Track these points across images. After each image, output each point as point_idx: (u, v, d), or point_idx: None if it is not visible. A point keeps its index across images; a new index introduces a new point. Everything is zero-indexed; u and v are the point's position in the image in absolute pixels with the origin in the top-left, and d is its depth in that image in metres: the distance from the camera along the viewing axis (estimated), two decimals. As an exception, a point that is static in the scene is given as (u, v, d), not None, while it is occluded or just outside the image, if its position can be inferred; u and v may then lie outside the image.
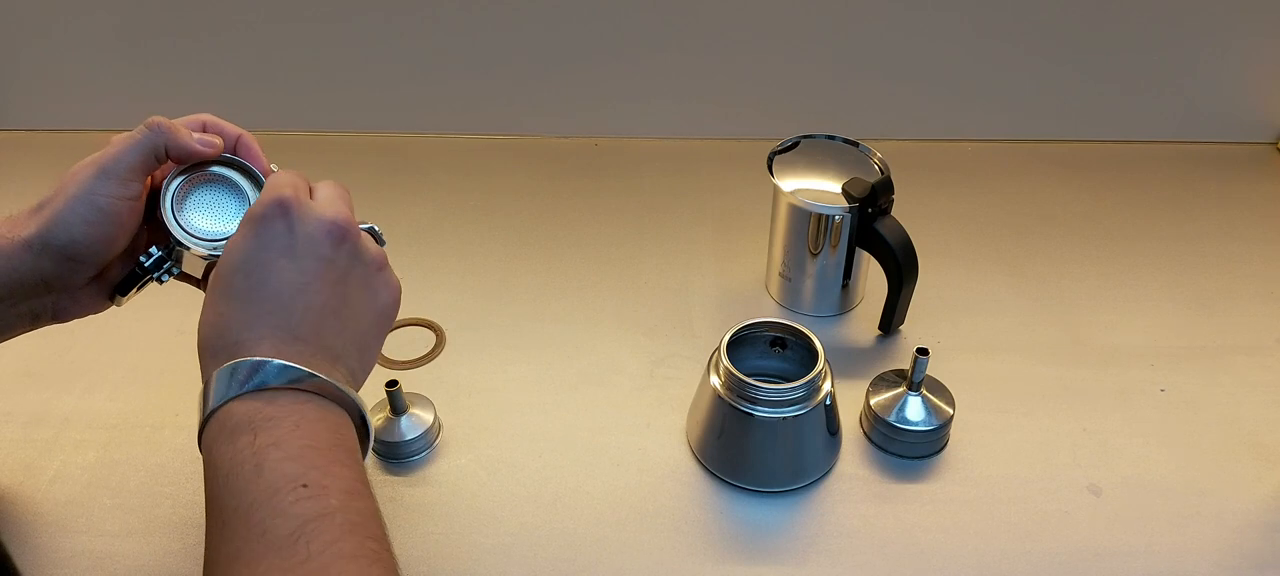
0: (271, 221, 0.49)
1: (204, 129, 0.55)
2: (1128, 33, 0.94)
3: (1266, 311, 0.80)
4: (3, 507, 0.64)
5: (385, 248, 0.55)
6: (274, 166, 0.57)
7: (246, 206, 0.56)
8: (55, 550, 0.61)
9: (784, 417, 0.62)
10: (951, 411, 0.67)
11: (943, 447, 0.68)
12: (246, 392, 0.45)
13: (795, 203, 0.74)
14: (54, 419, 0.70)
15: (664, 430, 0.69)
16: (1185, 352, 0.76)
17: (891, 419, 0.66)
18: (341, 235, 0.50)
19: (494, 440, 0.69)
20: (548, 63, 0.98)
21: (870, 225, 0.73)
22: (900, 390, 0.67)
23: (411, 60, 0.98)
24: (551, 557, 0.61)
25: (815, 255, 0.76)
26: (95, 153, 0.52)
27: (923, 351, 0.65)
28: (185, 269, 0.57)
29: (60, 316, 0.55)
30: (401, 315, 0.68)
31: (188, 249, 0.55)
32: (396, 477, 0.66)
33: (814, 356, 0.63)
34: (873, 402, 0.68)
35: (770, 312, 0.81)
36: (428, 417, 0.68)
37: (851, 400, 0.70)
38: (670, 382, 0.73)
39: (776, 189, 0.75)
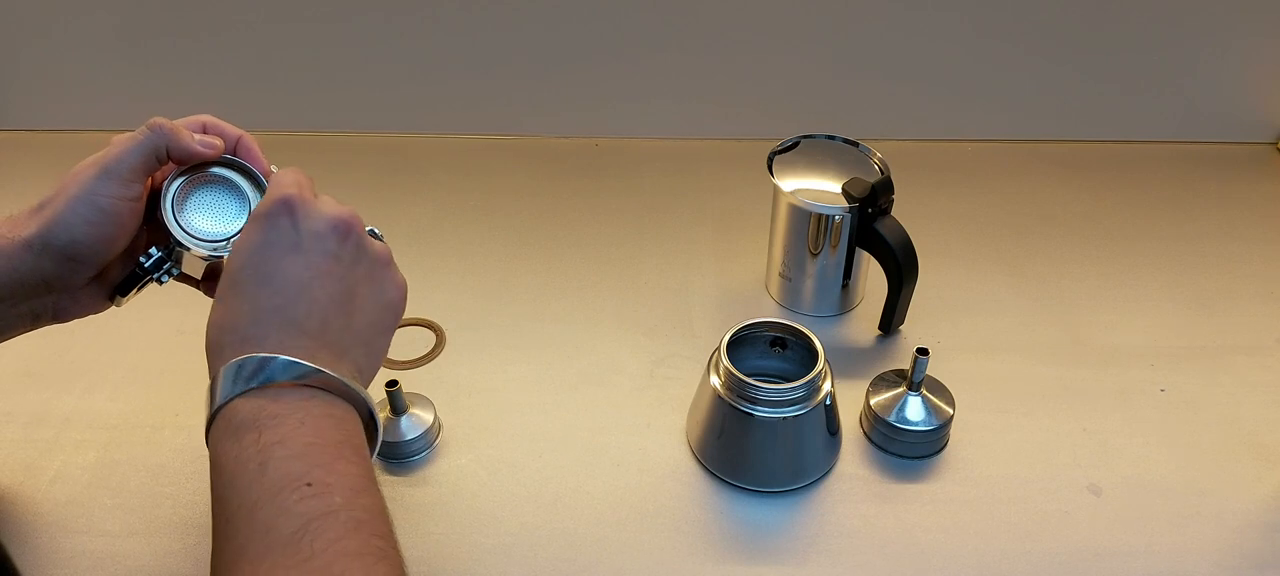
0: (277, 218, 0.49)
1: (204, 130, 0.55)
2: (1127, 33, 0.94)
3: (1266, 311, 0.80)
4: (3, 507, 0.64)
5: (386, 247, 0.55)
6: (274, 167, 0.57)
7: (247, 207, 0.56)
8: (55, 550, 0.61)
9: (784, 417, 0.62)
10: (951, 411, 0.67)
11: (943, 447, 0.68)
12: (252, 389, 0.45)
13: (795, 203, 0.74)
14: (54, 419, 0.70)
15: (664, 430, 0.69)
16: (1185, 352, 0.76)
17: (891, 419, 0.66)
18: (346, 231, 0.51)
19: (494, 440, 0.69)
20: (548, 63, 0.98)
21: (870, 225, 0.73)
22: (900, 390, 0.67)
23: (411, 60, 0.98)
24: (551, 557, 0.61)
25: (815, 255, 0.76)
26: (96, 153, 0.52)
27: (923, 351, 0.65)
28: (185, 269, 0.57)
29: (60, 316, 0.55)
30: (401, 315, 0.68)
31: (188, 249, 0.55)
32: (397, 477, 0.66)
33: (814, 356, 0.63)
34: (873, 402, 0.68)
35: (770, 313, 0.81)
36: (428, 417, 0.68)
37: (851, 400, 0.70)
38: (670, 382, 0.73)
39: (776, 189, 0.75)
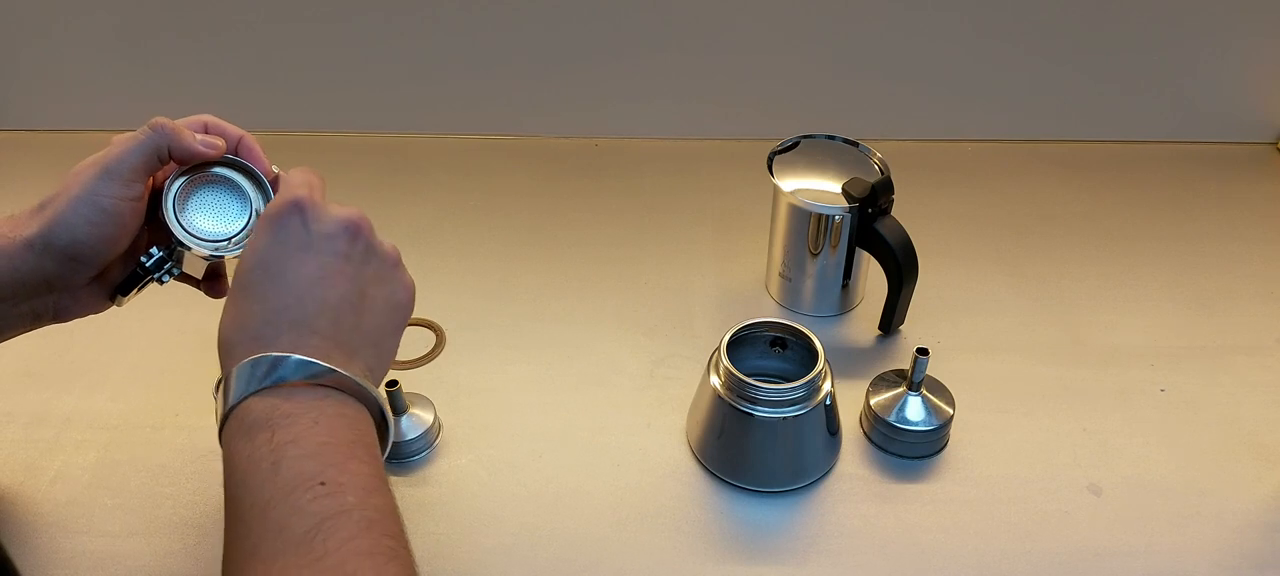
0: (287, 219, 0.50)
1: (206, 130, 0.55)
2: (1127, 33, 0.94)
3: (1266, 311, 0.80)
4: (3, 508, 0.64)
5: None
6: (275, 168, 0.57)
7: (248, 207, 0.56)
8: (56, 550, 0.61)
9: (784, 417, 0.62)
10: (951, 411, 0.67)
11: (943, 447, 0.68)
12: (265, 388, 0.46)
13: (795, 203, 0.74)
14: (55, 419, 0.70)
15: (664, 430, 0.69)
16: (1185, 352, 0.76)
17: (891, 419, 0.66)
18: (357, 231, 0.51)
19: (494, 440, 0.69)
20: (548, 63, 0.98)
21: (870, 225, 0.73)
22: (900, 390, 0.67)
23: (411, 60, 0.98)
24: (552, 557, 0.61)
25: (815, 255, 0.76)
26: (97, 153, 0.52)
27: (923, 351, 0.65)
28: (186, 269, 0.57)
29: (61, 316, 0.55)
30: (402, 315, 0.68)
31: (189, 249, 0.55)
32: (397, 477, 0.66)
33: (814, 356, 0.63)
34: (873, 402, 0.68)
35: (770, 313, 0.81)
36: (428, 417, 0.68)
37: (851, 400, 0.70)
38: (670, 382, 0.73)
39: (776, 189, 0.75)
